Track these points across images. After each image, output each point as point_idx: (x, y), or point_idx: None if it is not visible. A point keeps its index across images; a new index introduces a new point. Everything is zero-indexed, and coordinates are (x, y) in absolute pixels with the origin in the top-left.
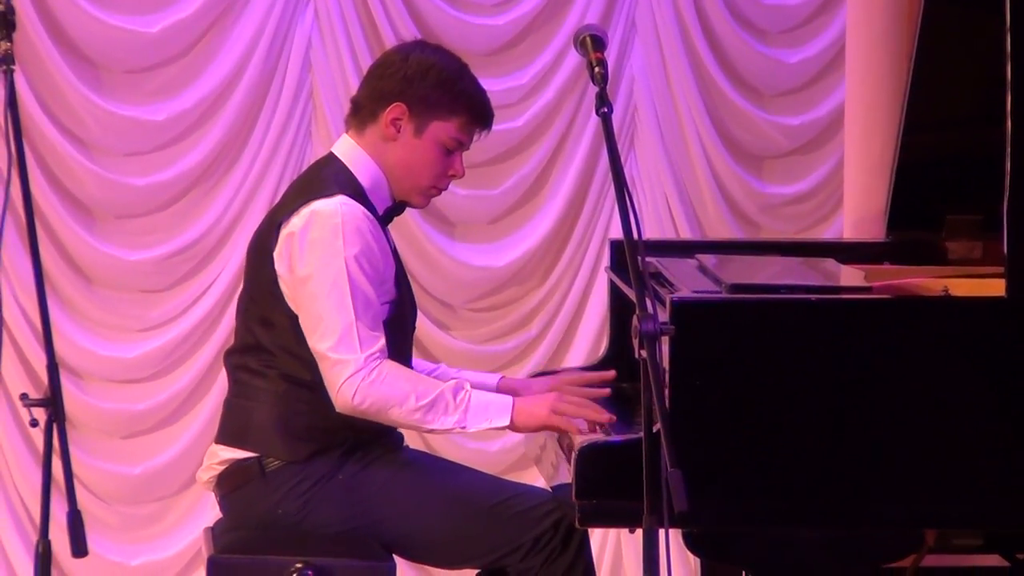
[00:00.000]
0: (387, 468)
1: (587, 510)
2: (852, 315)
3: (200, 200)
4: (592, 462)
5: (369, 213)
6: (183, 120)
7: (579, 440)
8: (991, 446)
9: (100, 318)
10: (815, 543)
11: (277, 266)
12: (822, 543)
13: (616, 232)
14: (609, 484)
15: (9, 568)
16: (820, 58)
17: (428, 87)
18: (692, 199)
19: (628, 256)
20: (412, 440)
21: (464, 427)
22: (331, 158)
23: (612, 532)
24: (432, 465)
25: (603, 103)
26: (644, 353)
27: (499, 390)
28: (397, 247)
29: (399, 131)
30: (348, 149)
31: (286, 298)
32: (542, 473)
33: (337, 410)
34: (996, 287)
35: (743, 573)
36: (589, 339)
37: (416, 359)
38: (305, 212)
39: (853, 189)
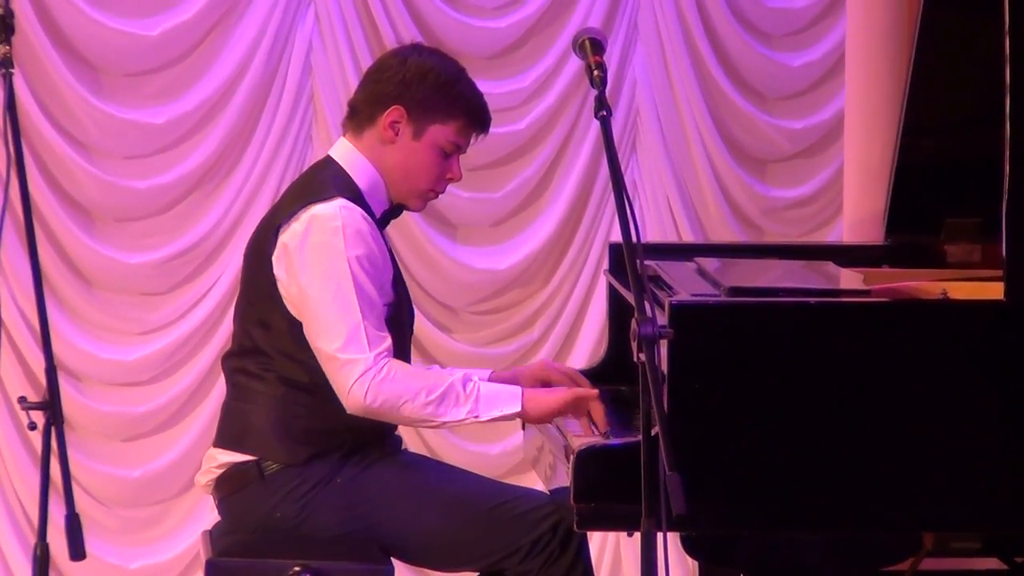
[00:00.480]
0: (386, 471)
1: (585, 513)
2: (851, 318)
3: (200, 203)
4: (590, 465)
5: (368, 215)
6: (183, 123)
7: (577, 443)
8: (990, 449)
9: (100, 321)
10: (813, 546)
11: (275, 270)
12: (820, 546)
13: (618, 235)
14: (607, 487)
15: (7, 571)
16: (823, 62)
17: (426, 91)
18: (694, 202)
19: (627, 259)
20: (412, 443)
21: (477, 416)
22: (328, 161)
23: (611, 535)
24: (430, 468)
25: (602, 106)
26: (643, 356)
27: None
28: (398, 249)
29: (397, 134)
30: (345, 152)
31: (284, 301)
32: (539, 475)
33: (348, 411)
34: (995, 290)
35: None
36: (591, 342)
37: (415, 362)
38: (304, 217)
39: (852, 192)
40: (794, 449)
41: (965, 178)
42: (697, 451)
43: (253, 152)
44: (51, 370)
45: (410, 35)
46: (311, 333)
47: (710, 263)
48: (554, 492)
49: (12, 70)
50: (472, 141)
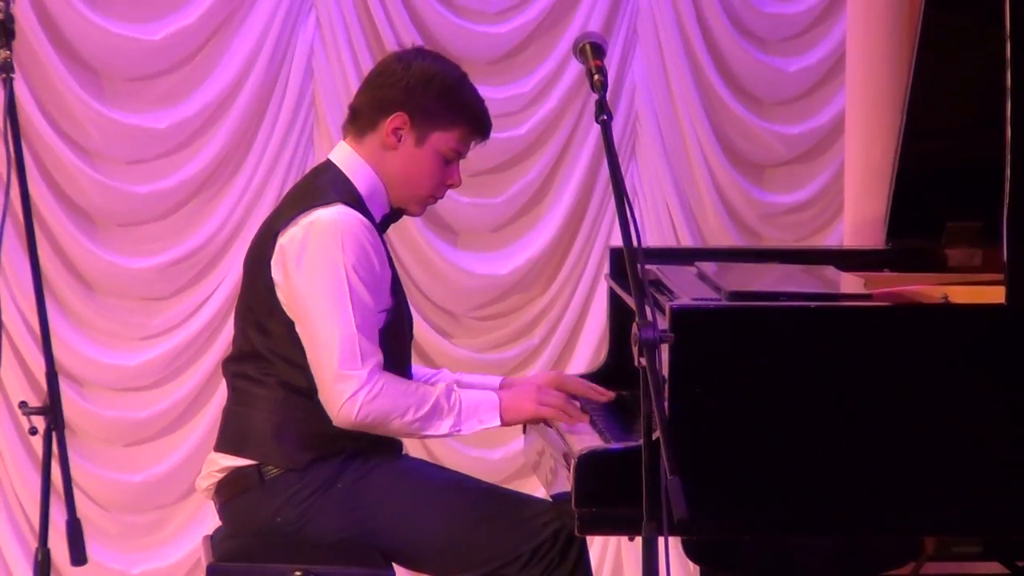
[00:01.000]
0: (386, 476)
1: (586, 518)
2: (852, 322)
3: (202, 208)
4: (591, 470)
5: (367, 221)
6: (185, 128)
7: (578, 448)
8: (991, 453)
9: (101, 326)
10: (814, 551)
11: (274, 274)
12: (821, 551)
13: (618, 240)
14: (608, 492)
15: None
16: (820, 67)
17: (431, 98)
18: (693, 207)
19: (627, 264)
20: (413, 448)
21: (459, 430)
22: (328, 165)
23: (612, 540)
24: (431, 474)
25: (602, 111)
26: (643, 361)
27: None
28: (399, 254)
29: (400, 140)
30: (346, 156)
31: (283, 306)
32: (540, 480)
33: (335, 423)
34: (996, 294)
35: None
36: (591, 347)
37: (416, 366)
38: (304, 222)
39: (853, 196)
40: (795, 453)
41: (966, 182)
42: (698, 455)
43: (255, 157)
44: (52, 375)
45: (411, 40)
46: (307, 342)
47: (711, 267)
48: (555, 497)
49: (13, 74)
50: (472, 147)
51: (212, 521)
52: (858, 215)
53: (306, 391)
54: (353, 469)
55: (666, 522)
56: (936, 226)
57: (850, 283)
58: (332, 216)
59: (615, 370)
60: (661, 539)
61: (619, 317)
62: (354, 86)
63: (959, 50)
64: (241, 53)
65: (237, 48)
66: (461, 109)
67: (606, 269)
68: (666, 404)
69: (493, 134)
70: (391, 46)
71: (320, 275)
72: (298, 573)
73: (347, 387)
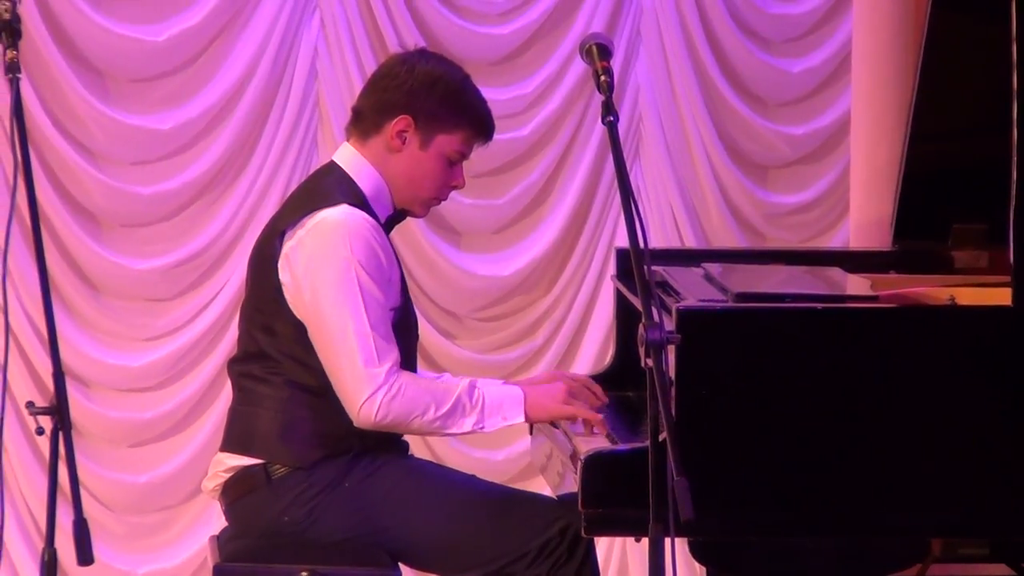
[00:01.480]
0: (393, 475)
1: (593, 519)
2: (858, 324)
3: (207, 209)
4: (598, 471)
5: (373, 220)
6: (190, 129)
7: (584, 449)
8: (997, 454)
9: (107, 327)
10: (821, 552)
11: (280, 275)
12: (828, 552)
13: (621, 241)
14: (615, 493)
15: None
16: (824, 68)
17: (435, 101)
18: (697, 208)
19: (634, 265)
20: (416, 448)
21: (482, 427)
22: (332, 166)
23: (618, 540)
24: (437, 473)
25: (609, 111)
26: (650, 362)
27: None
28: (402, 255)
29: (404, 143)
30: (349, 157)
31: (290, 306)
32: (548, 481)
33: (356, 424)
34: (1002, 296)
35: None
36: (595, 348)
37: (420, 370)
38: (310, 223)
39: (859, 198)
40: (801, 454)
41: (972, 184)
42: (705, 456)
43: (259, 158)
44: (59, 375)
45: (414, 41)
46: (319, 343)
47: (717, 269)
48: (562, 498)
49: (19, 75)
50: (475, 148)
51: (218, 522)
52: (864, 216)
53: (313, 389)
54: (360, 468)
55: (672, 523)
56: (942, 228)
57: (856, 285)
58: (338, 216)
59: (622, 371)
60: (667, 540)
61: (626, 318)
62: (358, 87)
63: (965, 52)
64: (245, 54)
65: (241, 49)
66: (465, 111)
67: (611, 270)
68: (673, 405)
69: (496, 135)
70: (394, 47)
71: (329, 276)
72: (304, 573)
73: (366, 387)
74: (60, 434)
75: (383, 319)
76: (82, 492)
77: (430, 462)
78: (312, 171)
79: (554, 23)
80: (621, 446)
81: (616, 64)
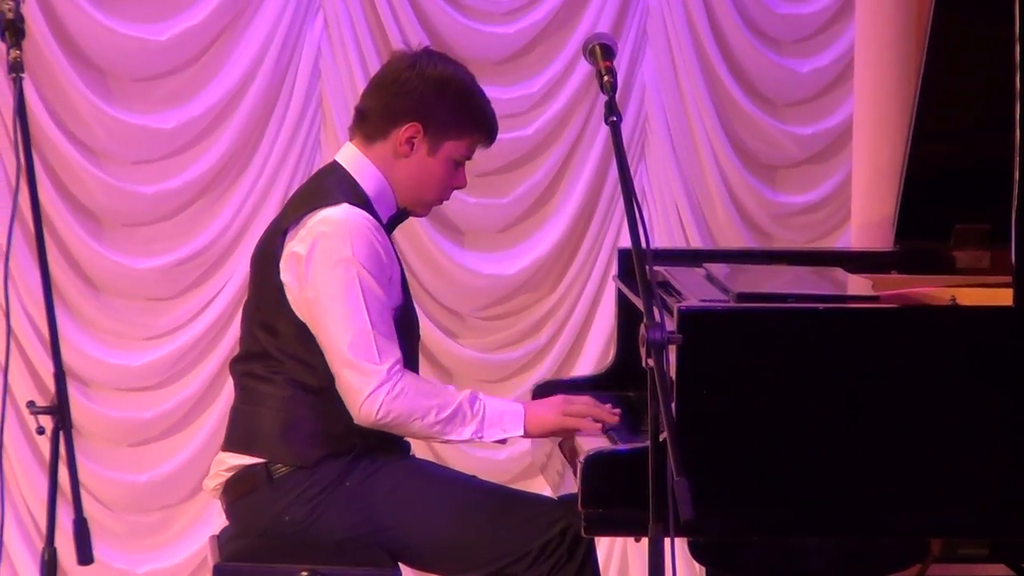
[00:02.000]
0: (394, 475)
1: (593, 518)
2: (859, 324)
3: (208, 208)
4: (598, 471)
5: (373, 219)
6: (192, 128)
7: (585, 448)
8: (998, 455)
9: (107, 326)
10: (821, 552)
11: (282, 275)
12: (828, 552)
13: (626, 241)
14: (615, 493)
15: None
16: (832, 68)
17: (445, 109)
18: (703, 208)
19: (636, 265)
20: (418, 448)
21: (481, 437)
22: (335, 166)
23: (618, 540)
24: (438, 473)
25: (612, 112)
26: (651, 362)
27: None
28: (405, 255)
29: (413, 149)
30: (352, 157)
31: (292, 306)
32: (548, 481)
33: (356, 423)
34: (1004, 296)
35: None
36: (598, 348)
37: (427, 376)
38: (311, 223)
39: (861, 198)
40: (802, 455)
41: (974, 184)
42: (705, 457)
43: (261, 157)
44: (60, 375)
45: (418, 40)
46: (322, 341)
47: (719, 269)
48: (562, 499)
49: (22, 75)
50: (478, 150)
51: (218, 521)
52: (866, 217)
53: (315, 389)
54: (361, 468)
55: (672, 523)
56: (944, 228)
57: (858, 285)
58: (339, 215)
59: (622, 371)
60: (667, 540)
61: (627, 318)
62: (361, 87)
63: (968, 52)
64: (248, 54)
65: (244, 49)
66: (474, 118)
67: (614, 270)
68: (673, 405)
69: (500, 135)
70: (398, 47)
71: (330, 275)
72: (305, 573)
73: (367, 384)
74: (60, 434)
75: (384, 317)
76: (82, 491)
77: (431, 462)
78: (315, 171)
79: (560, 22)
80: (621, 446)
81: (622, 64)
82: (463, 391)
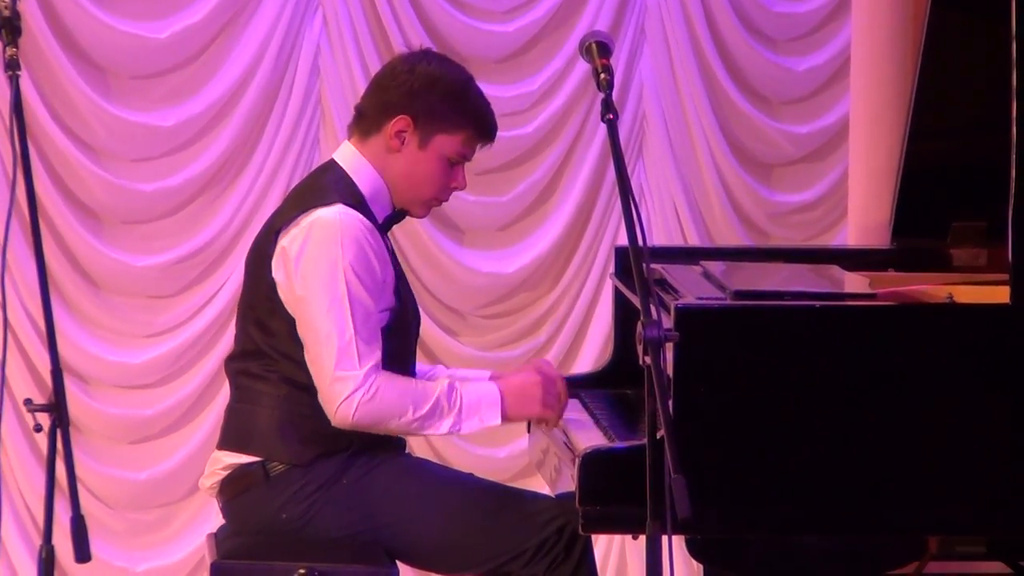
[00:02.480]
0: (391, 473)
1: (591, 516)
2: (856, 322)
3: (208, 206)
4: (596, 468)
5: (368, 221)
6: (191, 126)
7: (583, 446)
8: (995, 453)
9: (107, 323)
10: (819, 550)
11: (275, 273)
12: (826, 550)
13: (624, 239)
14: (613, 490)
15: (13, 573)
16: (828, 66)
17: (434, 101)
18: (700, 206)
19: (633, 263)
20: (418, 447)
21: (459, 429)
22: (332, 165)
23: (616, 538)
24: (436, 471)
25: (608, 109)
26: (648, 359)
27: None
28: (405, 253)
29: (403, 143)
30: (349, 156)
31: (285, 304)
32: (544, 478)
33: (334, 424)
34: (1001, 294)
35: None
36: (597, 345)
37: (419, 364)
38: (305, 222)
39: (858, 196)
40: (799, 452)
41: (971, 182)
42: (702, 454)
43: (261, 155)
44: (57, 372)
45: (418, 39)
46: (305, 342)
47: (716, 267)
48: (560, 496)
49: (19, 72)
50: (477, 150)
51: (216, 519)
52: (863, 215)
53: (310, 387)
54: (358, 466)
55: (670, 521)
56: (941, 226)
57: (855, 283)
58: (332, 216)
59: (620, 369)
60: (665, 538)
61: (624, 316)
62: (361, 85)
63: (965, 50)
64: (247, 52)
65: (243, 47)
66: (465, 112)
67: (612, 268)
68: (671, 403)
69: (500, 133)
70: (398, 45)
71: (318, 275)
72: (302, 571)
73: (343, 388)
74: (58, 431)
75: (368, 322)
76: (81, 489)
77: (428, 460)
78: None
79: (559, 21)
80: (619, 444)
81: (620, 62)
82: (440, 383)
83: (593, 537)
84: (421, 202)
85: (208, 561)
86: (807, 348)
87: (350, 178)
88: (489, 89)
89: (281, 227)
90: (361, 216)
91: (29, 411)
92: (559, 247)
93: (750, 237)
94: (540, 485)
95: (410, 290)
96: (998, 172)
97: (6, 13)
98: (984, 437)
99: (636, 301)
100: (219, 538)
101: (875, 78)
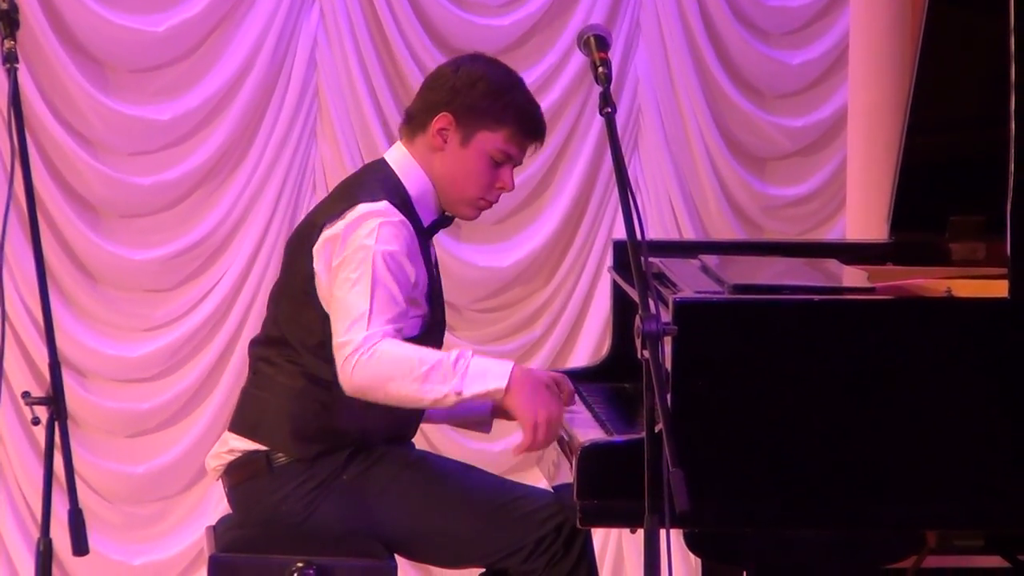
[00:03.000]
0: (390, 468)
1: (589, 510)
2: (855, 316)
3: (205, 199)
4: (594, 462)
5: (408, 222)
6: (189, 119)
7: (581, 440)
8: (993, 447)
9: (105, 317)
10: (816, 544)
11: (315, 263)
12: (823, 544)
13: (620, 232)
14: (611, 484)
15: (10, 566)
16: (823, 60)
17: (475, 97)
18: (695, 200)
19: (631, 256)
20: (416, 441)
21: (460, 392)
22: (382, 164)
23: (614, 532)
24: (436, 465)
25: (607, 103)
26: (647, 353)
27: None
28: None
29: (446, 141)
30: (399, 156)
31: (320, 297)
32: (543, 472)
33: (344, 392)
34: (999, 288)
35: (744, 574)
36: (593, 339)
37: None
38: (350, 215)
39: (856, 190)
40: (797, 446)
41: (970, 176)
42: (701, 448)
43: (258, 148)
44: (55, 365)
45: (414, 32)
46: (332, 320)
47: (714, 260)
48: (557, 489)
49: (17, 65)
50: (530, 152)
51: (214, 512)
52: (861, 208)
53: (326, 383)
54: (358, 462)
55: (668, 515)
56: (940, 220)
57: (853, 277)
58: (377, 210)
59: (618, 363)
60: (663, 531)
61: (622, 310)
62: (357, 78)
63: (963, 43)
64: (244, 45)
65: (240, 40)
66: (505, 107)
67: (609, 262)
68: (669, 397)
69: None
70: (394, 38)
71: (350, 259)
72: (301, 564)
73: (344, 351)
74: (56, 424)
75: (393, 307)
76: (79, 482)
77: (429, 453)
78: (315, 162)
79: (554, 15)
80: (617, 437)
81: (615, 56)
82: (451, 351)
83: (592, 531)
84: (467, 202)
85: (206, 554)
86: (805, 342)
87: (397, 178)
88: None
89: (326, 221)
90: (404, 217)
91: (27, 404)
92: (554, 241)
93: (744, 230)
94: (536, 479)
95: (442, 302)
96: (997, 166)
97: (4, 6)
98: (982, 431)
99: (634, 295)
100: (218, 531)
101: (873, 72)
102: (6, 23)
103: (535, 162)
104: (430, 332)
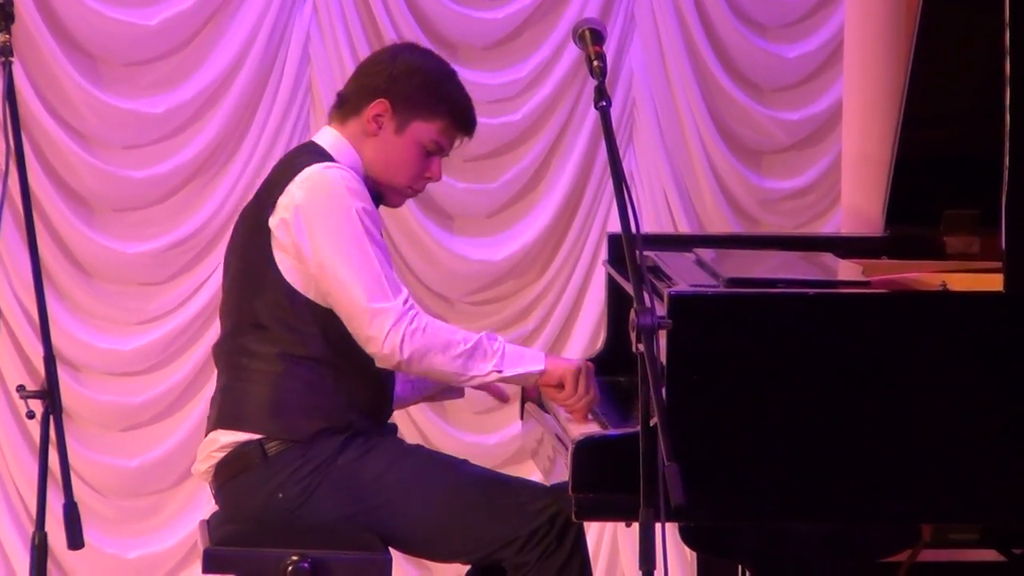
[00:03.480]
0: (385, 457)
1: (584, 503)
2: (850, 309)
3: (198, 193)
4: (589, 455)
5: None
6: (181, 113)
7: (576, 434)
8: (988, 441)
9: (98, 311)
10: (812, 537)
11: (277, 234)
12: (819, 537)
13: (614, 226)
14: (606, 477)
15: (5, 560)
16: (819, 53)
17: (413, 87)
18: (690, 193)
19: (626, 250)
20: (407, 431)
21: (501, 371)
22: (312, 145)
23: (609, 525)
24: (429, 457)
25: (602, 97)
26: (641, 347)
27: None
28: (394, 239)
29: (380, 128)
30: (332, 139)
31: (285, 267)
32: (538, 466)
33: (378, 364)
34: (994, 282)
35: (739, 567)
36: (587, 333)
37: None
38: (300, 179)
39: (851, 184)
40: (793, 440)
41: (964, 170)
42: (696, 442)
43: (251, 142)
44: (49, 359)
45: (407, 25)
46: (333, 294)
47: (709, 254)
48: (554, 485)
49: (11, 59)
50: (456, 144)
51: (209, 506)
52: (856, 202)
53: (304, 359)
54: (354, 447)
55: (663, 508)
56: (934, 214)
57: (848, 270)
58: (330, 170)
59: (613, 356)
60: (658, 525)
61: (617, 303)
62: (350, 72)
63: (958, 38)
64: (237, 39)
65: (233, 33)
66: (443, 100)
67: (603, 255)
68: (664, 390)
69: (489, 120)
70: (387, 32)
71: (333, 224)
72: (295, 557)
73: (385, 320)
74: (51, 418)
75: (388, 260)
76: (73, 476)
77: (421, 446)
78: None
79: (548, 8)
80: (612, 431)
81: (610, 49)
82: (479, 333)
83: (585, 524)
84: (394, 189)
85: (200, 548)
86: (800, 335)
87: (331, 156)
88: (478, 76)
89: (277, 194)
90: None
91: (22, 398)
92: (548, 234)
93: (740, 224)
94: (530, 472)
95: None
96: (991, 160)
97: None
98: (977, 425)
99: (629, 288)
100: (211, 525)
101: (868, 65)
102: (0, 16)
103: (529, 155)
104: None
